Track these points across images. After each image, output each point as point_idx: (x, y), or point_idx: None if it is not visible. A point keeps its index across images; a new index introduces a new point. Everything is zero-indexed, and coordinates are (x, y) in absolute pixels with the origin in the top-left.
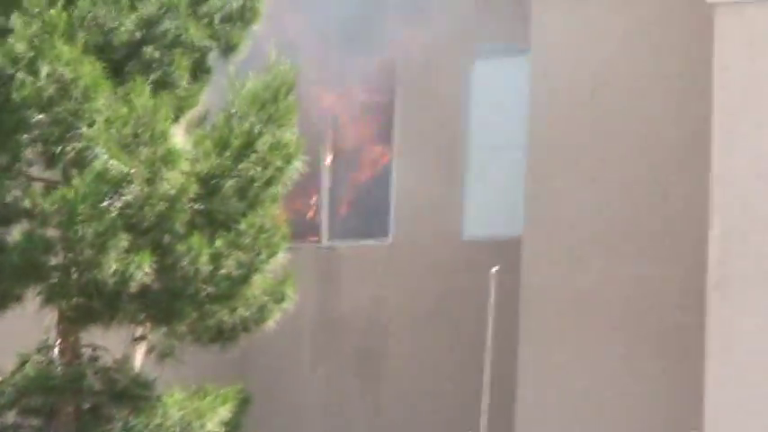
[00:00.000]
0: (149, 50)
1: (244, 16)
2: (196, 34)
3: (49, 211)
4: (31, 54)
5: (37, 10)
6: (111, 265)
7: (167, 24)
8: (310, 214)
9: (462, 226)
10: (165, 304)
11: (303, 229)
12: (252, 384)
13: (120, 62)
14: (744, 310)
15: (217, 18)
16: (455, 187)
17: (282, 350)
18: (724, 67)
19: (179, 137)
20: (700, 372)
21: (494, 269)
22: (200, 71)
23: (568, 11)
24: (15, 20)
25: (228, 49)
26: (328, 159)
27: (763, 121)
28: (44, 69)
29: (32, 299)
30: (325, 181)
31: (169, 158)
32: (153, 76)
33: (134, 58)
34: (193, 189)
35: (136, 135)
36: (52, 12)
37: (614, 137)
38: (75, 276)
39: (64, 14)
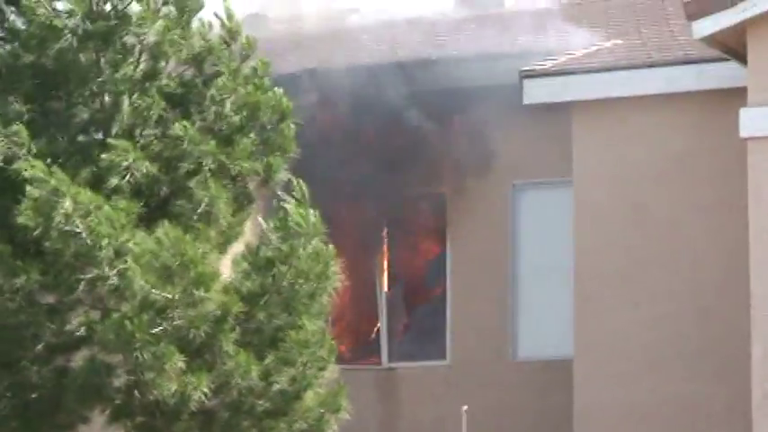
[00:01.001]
0: (193, 187)
1: (281, 146)
2: (234, 160)
3: (106, 339)
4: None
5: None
6: (171, 386)
7: (200, 152)
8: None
9: (516, 347)
10: (224, 420)
11: (364, 353)
12: None
13: (163, 202)
14: None
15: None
16: (507, 310)
17: None
18: (758, 198)
19: (224, 266)
20: None
21: (464, 408)
22: (242, 202)
23: (606, 148)
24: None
25: (268, 176)
26: (386, 285)
27: None
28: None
29: (98, 420)
30: (384, 305)
31: (201, 281)
32: (198, 210)
33: (180, 197)
34: (237, 307)
35: (167, 267)
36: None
37: (655, 263)
38: (137, 397)
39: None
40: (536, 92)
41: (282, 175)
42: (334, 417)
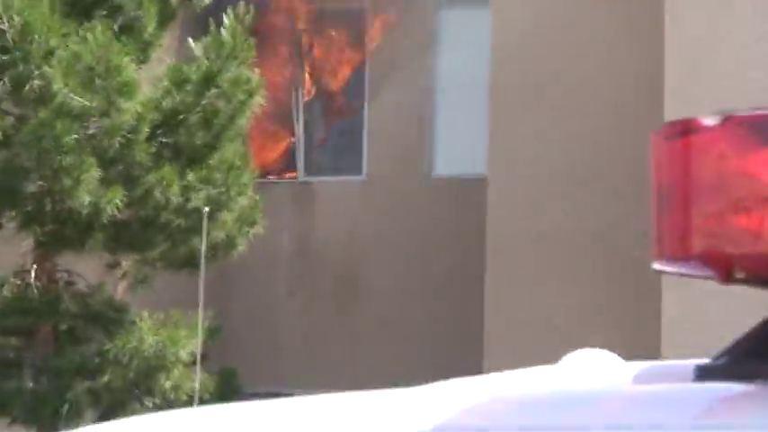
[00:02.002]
0: None
1: None
2: None
3: (24, 141)
4: None
5: None
6: (85, 196)
7: None
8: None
9: (432, 165)
10: (137, 233)
11: (280, 167)
12: (231, 316)
13: (88, 6)
14: None
15: None
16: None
17: (261, 282)
18: (676, 16)
19: (135, 72)
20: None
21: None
22: (164, 17)
23: None
24: None
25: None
26: (303, 97)
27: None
28: None
29: (8, 224)
30: (301, 119)
31: (125, 90)
32: (119, 22)
33: (103, 4)
34: (151, 119)
35: (91, 69)
36: None
37: (575, 79)
38: (49, 205)
39: None
40: None
41: None
42: (247, 230)
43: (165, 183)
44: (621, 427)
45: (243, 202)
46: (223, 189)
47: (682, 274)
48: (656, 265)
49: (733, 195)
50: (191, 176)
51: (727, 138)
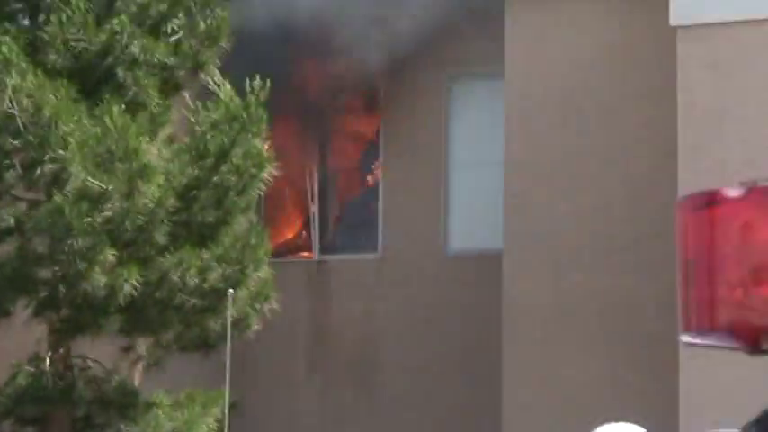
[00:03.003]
0: (120, 73)
1: (210, 35)
2: (162, 53)
3: (37, 227)
4: None
5: None
6: (100, 278)
7: (134, 46)
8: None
9: (447, 241)
10: (152, 315)
11: (295, 246)
12: (248, 395)
13: (94, 86)
14: None
15: (183, 37)
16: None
17: (278, 362)
18: (687, 89)
19: (154, 153)
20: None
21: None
22: (170, 89)
23: (537, 39)
24: None
25: (198, 67)
26: (318, 177)
27: (726, 135)
28: (5, 101)
29: (23, 312)
30: (315, 198)
31: (145, 173)
32: (126, 98)
33: (107, 82)
34: (171, 202)
35: (110, 152)
36: (8, 39)
37: (586, 154)
38: (64, 290)
39: (22, 39)
40: None
41: (213, 67)
42: (260, 308)
43: (184, 265)
44: None
45: (259, 274)
46: (238, 267)
47: (709, 346)
48: (684, 337)
49: (758, 264)
50: (206, 255)
51: (751, 208)
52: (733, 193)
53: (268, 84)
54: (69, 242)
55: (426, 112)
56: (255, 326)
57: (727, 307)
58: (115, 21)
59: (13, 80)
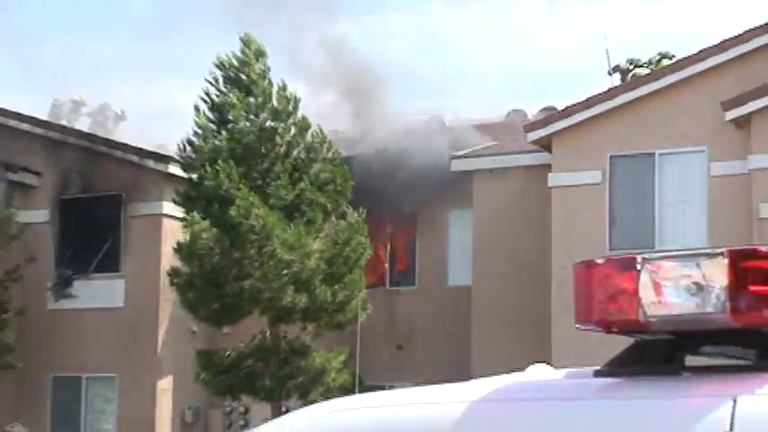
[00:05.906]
0: (303, 208)
1: (337, 187)
2: (321, 199)
3: (261, 277)
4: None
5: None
6: (301, 298)
7: (309, 192)
8: None
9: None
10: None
11: (378, 282)
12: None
13: (290, 213)
14: None
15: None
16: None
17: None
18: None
19: (315, 246)
20: None
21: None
22: (324, 215)
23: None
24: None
25: (338, 204)
26: (388, 251)
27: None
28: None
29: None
30: (387, 258)
31: (311, 254)
32: (305, 219)
33: (296, 210)
34: (322, 266)
35: (301, 244)
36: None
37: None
38: (275, 303)
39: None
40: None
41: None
42: (365, 310)
43: (329, 291)
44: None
45: (361, 295)
46: (350, 292)
47: (587, 329)
48: (577, 325)
49: (611, 294)
50: (337, 286)
51: (608, 268)
52: (599, 260)
53: (364, 211)
54: (275, 285)
55: (433, 233)
56: (361, 318)
57: (597, 312)
58: (302, 184)
59: (257, 211)
